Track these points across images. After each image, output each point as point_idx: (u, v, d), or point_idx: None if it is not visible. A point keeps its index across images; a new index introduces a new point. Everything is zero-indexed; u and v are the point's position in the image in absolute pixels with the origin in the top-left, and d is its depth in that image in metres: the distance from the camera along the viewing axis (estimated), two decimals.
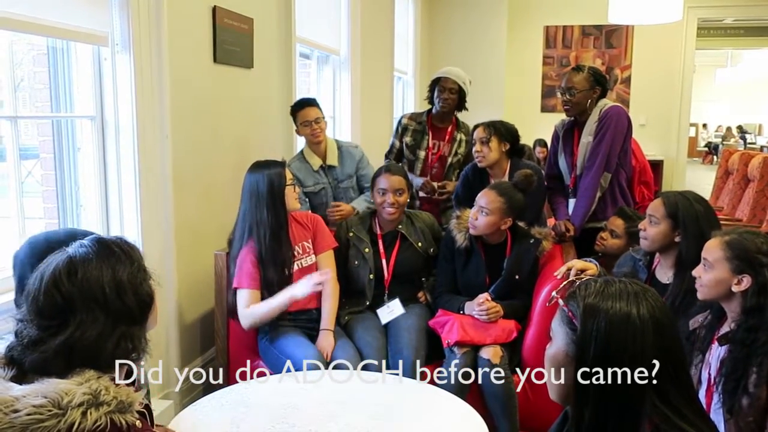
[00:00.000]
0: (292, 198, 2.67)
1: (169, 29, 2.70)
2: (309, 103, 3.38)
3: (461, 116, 3.88)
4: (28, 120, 2.62)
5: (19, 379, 1.21)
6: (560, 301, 1.25)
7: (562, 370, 1.21)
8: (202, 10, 3.01)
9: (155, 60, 2.67)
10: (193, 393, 3.02)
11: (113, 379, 1.23)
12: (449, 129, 3.78)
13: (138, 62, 2.59)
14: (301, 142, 3.99)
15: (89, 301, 1.22)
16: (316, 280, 2.49)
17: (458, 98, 3.70)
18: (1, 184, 2.62)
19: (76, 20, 2.37)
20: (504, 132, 3.18)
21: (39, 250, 1.56)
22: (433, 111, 3.81)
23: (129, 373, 1.43)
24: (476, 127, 3.25)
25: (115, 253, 1.28)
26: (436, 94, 3.71)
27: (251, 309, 2.59)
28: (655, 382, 1.13)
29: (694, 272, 1.94)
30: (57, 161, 2.61)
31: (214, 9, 3.06)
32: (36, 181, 2.67)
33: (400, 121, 3.92)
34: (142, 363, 1.36)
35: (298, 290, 2.52)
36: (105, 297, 1.23)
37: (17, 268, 1.61)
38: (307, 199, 3.35)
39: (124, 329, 1.25)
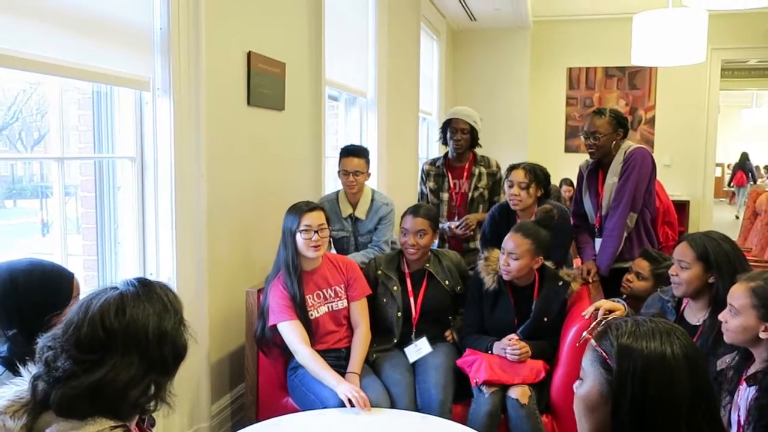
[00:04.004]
0: (302, 244, 2.68)
1: (206, 74, 2.82)
2: (354, 152, 3.41)
3: (481, 150, 3.96)
4: (71, 160, 2.73)
5: (33, 419, 1.20)
6: (592, 342, 1.25)
7: (595, 409, 1.21)
8: (237, 56, 3.13)
9: (193, 103, 2.78)
10: (223, 428, 3.06)
11: (126, 428, 1.22)
12: (466, 166, 3.87)
13: (177, 105, 2.70)
14: (330, 183, 4.09)
15: (130, 344, 1.22)
16: (353, 403, 2.41)
17: (470, 137, 3.80)
18: (34, 220, 2.72)
19: (121, 66, 2.49)
20: (542, 178, 3.24)
21: (1, 278, 1.59)
22: (448, 152, 3.90)
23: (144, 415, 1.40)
24: (513, 168, 3.27)
25: (162, 300, 1.30)
26: (448, 135, 3.82)
27: (305, 359, 2.60)
28: (689, 419, 1.14)
29: (720, 317, 1.93)
30: (98, 199, 2.71)
31: (249, 54, 3.18)
32: (70, 219, 2.75)
33: (422, 169, 4.03)
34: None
35: (339, 387, 2.48)
36: (147, 342, 1.24)
37: None
38: (331, 240, 3.40)
39: (154, 378, 1.26)
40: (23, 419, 1.19)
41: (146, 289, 1.29)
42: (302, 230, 2.67)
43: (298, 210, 2.71)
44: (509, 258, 2.74)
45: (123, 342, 1.21)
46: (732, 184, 15.77)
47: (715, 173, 9.05)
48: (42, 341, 1.24)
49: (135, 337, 1.23)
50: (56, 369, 1.19)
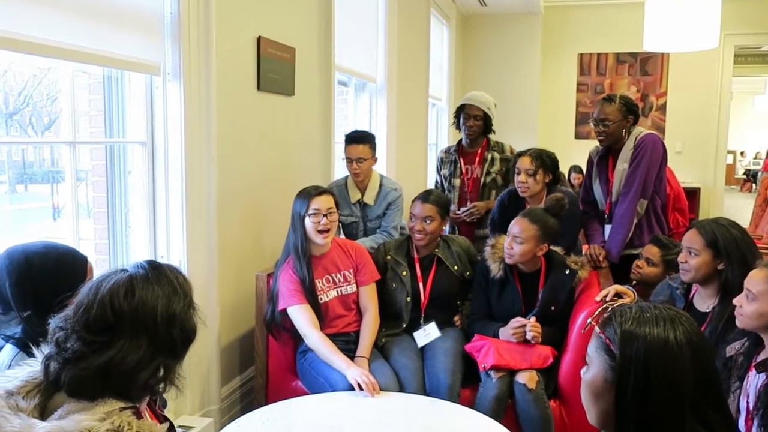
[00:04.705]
0: (311, 228, 2.69)
1: (216, 59, 2.82)
2: (357, 139, 3.38)
3: (495, 136, 3.96)
4: (81, 144, 2.74)
5: (45, 399, 1.22)
6: (596, 328, 1.26)
7: (601, 395, 1.22)
8: (247, 41, 3.13)
9: (203, 88, 2.79)
10: (232, 410, 3.09)
11: (136, 410, 1.23)
12: (479, 151, 3.87)
13: (187, 90, 2.71)
14: (339, 169, 4.09)
15: (138, 326, 1.22)
16: (362, 388, 2.43)
17: (483, 123, 3.80)
18: (45, 205, 2.74)
19: (132, 51, 2.50)
20: (549, 164, 3.22)
21: (16, 261, 1.60)
22: (462, 140, 3.90)
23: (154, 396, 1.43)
24: (520, 154, 3.27)
25: (171, 283, 1.30)
26: (461, 120, 3.82)
27: (315, 343, 2.62)
28: (693, 405, 1.15)
29: (735, 301, 1.93)
30: (109, 184, 2.72)
31: (259, 39, 3.18)
32: (81, 203, 2.77)
33: (438, 157, 4.06)
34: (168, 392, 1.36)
35: (348, 371, 2.50)
36: (155, 325, 1.24)
37: None
38: (340, 225, 3.41)
39: (163, 360, 1.27)
40: (36, 399, 1.20)
41: (156, 272, 1.29)
42: (311, 214, 2.68)
43: (307, 194, 2.72)
44: (513, 241, 2.74)
45: (131, 324, 1.22)
46: (762, 171, 15.58)
47: (727, 160, 8.99)
48: (54, 322, 1.25)
49: (143, 319, 1.23)
50: (66, 350, 1.20)
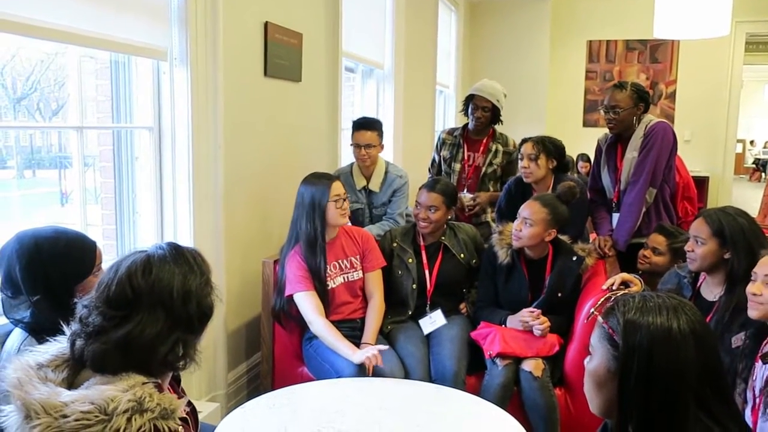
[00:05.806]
0: (335, 214, 2.72)
1: (224, 44, 2.81)
2: (365, 125, 3.37)
3: (501, 127, 3.94)
4: (88, 130, 2.74)
5: (73, 374, 1.28)
6: (599, 318, 1.26)
7: (604, 385, 1.22)
8: (254, 26, 3.11)
9: (210, 73, 2.78)
10: (239, 396, 3.11)
11: (158, 385, 1.28)
12: (484, 140, 3.86)
13: (194, 76, 2.70)
14: (346, 155, 4.08)
15: (155, 301, 1.28)
16: (371, 360, 2.48)
17: (492, 114, 3.78)
18: (53, 190, 2.75)
19: (139, 36, 2.49)
20: (552, 149, 3.21)
21: (26, 245, 1.62)
22: (468, 124, 3.89)
23: (177, 378, 1.50)
24: (524, 141, 3.27)
25: (189, 262, 1.35)
26: (470, 110, 3.80)
27: (320, 329, 2.63)
28: (697, 395, 1.14)
29: (756, 289, 1.90)
30: (116, 170, 2.73)
31: (266, 24, 3.16)
32: (88, 189, 2.78)
33: (439, 137, 4.02)
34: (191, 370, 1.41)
35: (354, 356, 2.52)
36: (171, 301, 1.30)
37: (4, 262, 1.64)
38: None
39: (180, 335, 1.31)
40: (64, 373, 1.27)
41: (174, 252, 1.36)
42: (334, 200, 2.70)
43: (323, 183, 2.73)
44: (523, 223, 2.74)
45: (148, 300, 1.28)
46: None
47: (736, 149, 8.92)
48: (80, 303, 1.32)
49: (160, 295, 1.29)
50: (88, 325, 1.27)
